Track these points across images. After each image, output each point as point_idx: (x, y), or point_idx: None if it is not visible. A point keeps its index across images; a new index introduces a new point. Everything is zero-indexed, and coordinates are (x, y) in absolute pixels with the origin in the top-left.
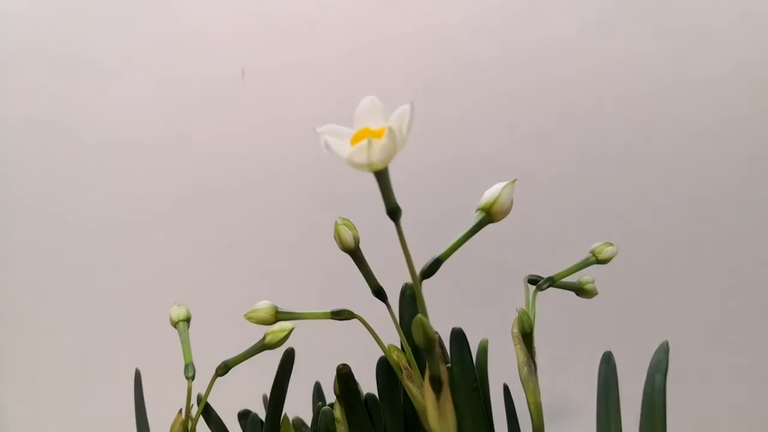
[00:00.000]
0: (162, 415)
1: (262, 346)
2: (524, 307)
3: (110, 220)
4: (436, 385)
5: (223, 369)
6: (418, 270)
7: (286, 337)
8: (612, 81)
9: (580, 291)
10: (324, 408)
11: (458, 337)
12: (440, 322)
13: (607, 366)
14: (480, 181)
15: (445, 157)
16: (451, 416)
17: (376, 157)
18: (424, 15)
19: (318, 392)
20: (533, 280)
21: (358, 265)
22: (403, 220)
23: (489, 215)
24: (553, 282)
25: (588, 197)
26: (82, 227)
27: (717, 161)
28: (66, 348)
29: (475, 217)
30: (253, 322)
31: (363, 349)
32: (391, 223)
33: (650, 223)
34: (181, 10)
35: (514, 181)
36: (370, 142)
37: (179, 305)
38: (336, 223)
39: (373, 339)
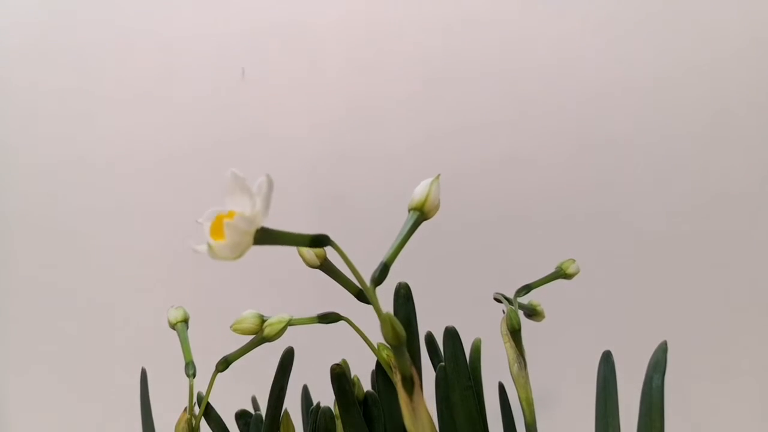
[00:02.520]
0: (160, 413)
1: (260, 340)
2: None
3: (110, 219)
4: (408, 385)
5: (224, 364)
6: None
7: (284, 329)
8: (610, 80)
9: (533, 313)
10: (324, 407)
11: (452, 335)
12: (436, 322)
13: (606, 365)
14: (481, 180)
15: (447, 160)
16: (426, 416)
17: (225, 254)
18: (423, 20)
19: (306, 395)
20: (498, 299)
21: (331, 277)
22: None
23: (423, 213)
24: (529, 289)
25: (585, 196)
26: (81, 227)
27: (717, 160)
28: (65, 348)
29: (409, 217)
30: (239, 333)
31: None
32: (388, 222)
33: (650, 222)
34: (181, 10)
35: (438, 177)
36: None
37: (176, 308)
38: None
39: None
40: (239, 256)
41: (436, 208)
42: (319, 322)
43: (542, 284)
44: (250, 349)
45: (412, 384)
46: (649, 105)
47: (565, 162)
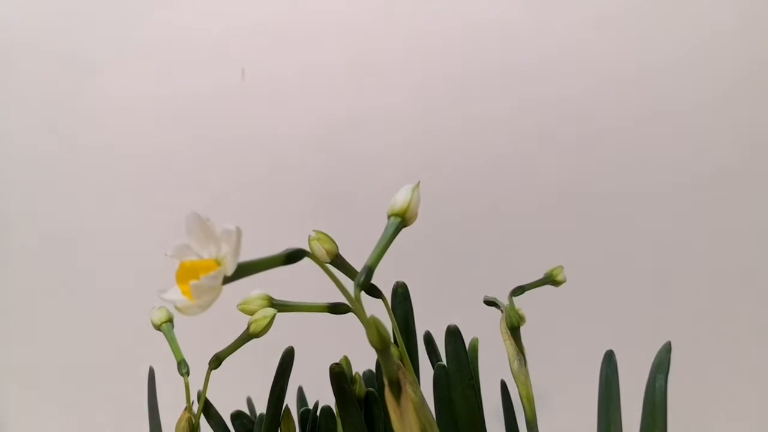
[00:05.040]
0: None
1: (247, 336)
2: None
3: (108, 220)
4: (395, 389)
5: (216, 362)
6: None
7: (270, 323)
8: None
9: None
10: (323, 406)
11: (454, 334)
12: (434, 322)
13: (609, 365)
14: (486, 183)
15: (446, 159)
16: (414, 421)
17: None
18: (424, 21)
19: (301, 397)
20: (489, 302)
21: (343, 272)
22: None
23: (404, 220)
24: (523, 290)
25: (586, 196)
26: (79, 227)
27: (715, 159)
28: (64, 348)
29: (390, 224)
30: (245, 313)
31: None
32: (386, 221)
33: (652, 221)
34: (181, 9)
35: (418, 184)
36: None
37: (159, 308)
38: (309, 237)
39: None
40: (210, 306)
41: (416, 215)
42: (329, 311)
43: (534, 287)
44: (240, 345)
45: (399, 388)
46: (649, 104)
47: (566, 162)
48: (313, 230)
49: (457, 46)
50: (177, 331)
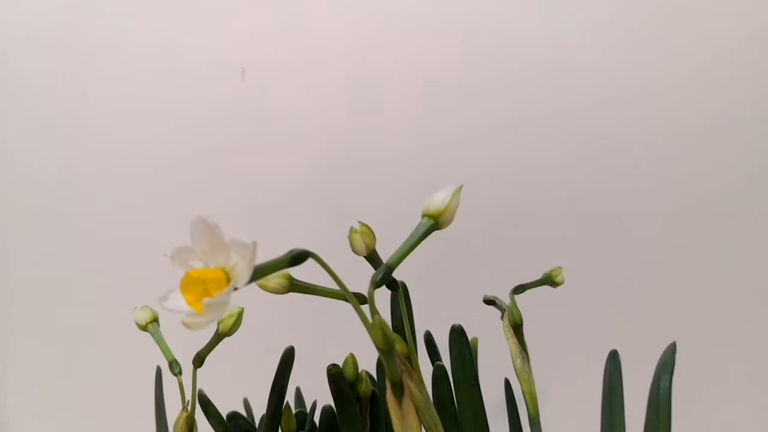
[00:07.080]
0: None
1: (218, 336)
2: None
3: (108, 218)
4: (398, 390)
5: (198, 361)
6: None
7: (237, 321)
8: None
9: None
10: (325, 406)
11: (458, 334)
12: (432, 321)
13: (613, 364)
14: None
15: (447, 163)
16: (415, 422)
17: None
18: (424, 24)
19: (299, 397)
20: (488, 301)
21: (374, 267)
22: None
23: (438, 223)
24: (524, 289)
25: (587, 197)
26: (79, 229)
27: (716, 160)
28: (64, 348)
29: (421, 224)
30: (264, 290)
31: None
32: (387, 226)
33: (653, 222)
34: (182, 12)
35: (461, 188)
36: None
37: (142, 308)
38: (351, 229)
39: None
40: (218, 319)
41: (451, 220)
42: (346, 300)
43: (535, 286)
44: (215, 345)
45: (401, 389)
46: (648, 108)
47: (568, 163)
48: (358, 221)
49: (458, 52)
50: (165, 330)
